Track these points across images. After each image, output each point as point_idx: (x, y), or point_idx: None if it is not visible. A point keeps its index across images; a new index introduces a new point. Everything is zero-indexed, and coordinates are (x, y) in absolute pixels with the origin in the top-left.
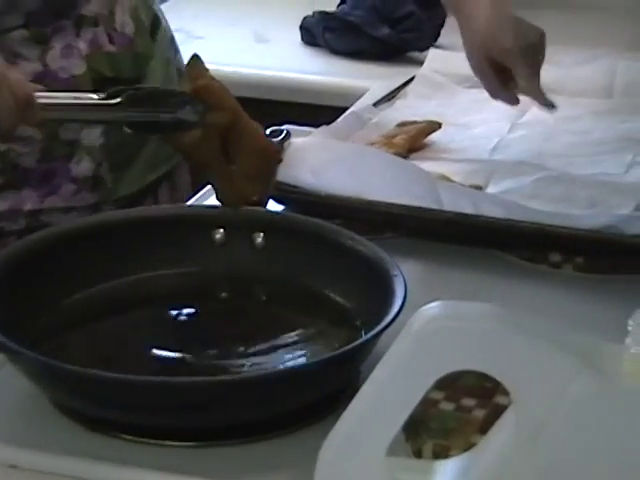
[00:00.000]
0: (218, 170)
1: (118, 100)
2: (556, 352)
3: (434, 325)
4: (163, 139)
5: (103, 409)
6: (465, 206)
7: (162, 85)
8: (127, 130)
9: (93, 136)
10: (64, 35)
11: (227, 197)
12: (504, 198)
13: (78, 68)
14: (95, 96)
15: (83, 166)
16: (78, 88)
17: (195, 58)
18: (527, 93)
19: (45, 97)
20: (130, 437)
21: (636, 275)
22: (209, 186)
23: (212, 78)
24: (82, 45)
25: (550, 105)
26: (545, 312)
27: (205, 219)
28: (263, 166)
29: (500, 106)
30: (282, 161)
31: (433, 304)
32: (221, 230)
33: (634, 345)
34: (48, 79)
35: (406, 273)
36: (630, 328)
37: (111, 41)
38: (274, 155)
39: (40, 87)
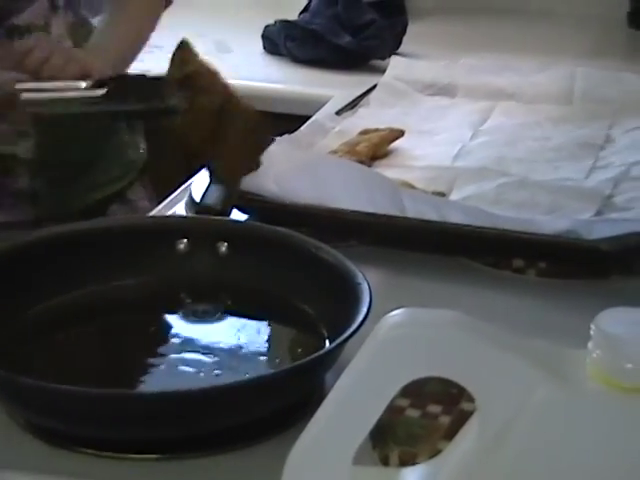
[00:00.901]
0: (212, 152)
1: (104, 91)
2: (520, 358)
3: (399, 332)
4: (153, 125)
5: (62, 423)
6: (429, 213)
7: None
8: (115, 122)
9: (26, 150)
10: None
11: (224, 176)
12: (467, 204)
13: None
14: (82, 84)
15: (20, 180)
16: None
17: (184, 43)
18: None
19: (29, 90)
20: (91, 451)
21: (597, 279)
22: (172, 196)
23: (201, 62)
24: None
25: None
26: (509, 318)
27: (168, 229)
28: (256, 143)
29: (463, 113)
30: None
31: (397, 311)
32: (184, 240)
33: (596, 349)
34: None
35: (371, 281)
36: (592, 332)
37: None
38: (265, 130)
39: (22, 77)
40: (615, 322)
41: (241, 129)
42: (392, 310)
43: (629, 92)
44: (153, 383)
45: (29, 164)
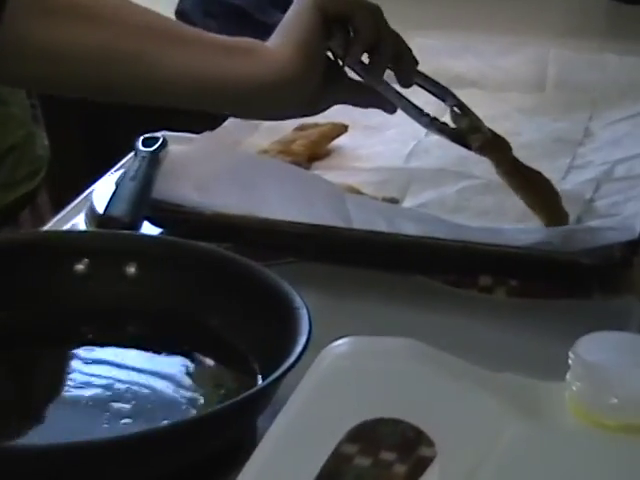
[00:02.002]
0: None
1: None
2: (487, 393)
3: (344, 365)
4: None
5: None
6: (378, 223)
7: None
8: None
9: None
10: None
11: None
12: (424, 212)
13: None
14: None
15: None
16: None
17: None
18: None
19: None
20: None
21: (578, 299)
22: (70, 206)
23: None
24: None
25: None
26: (475, 346)
27: (66, 247)
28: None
29: (417, 104)
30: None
31: (343, 340)
32: (85, 260)
33: (576, 381)
34: None
35: (311, 305)
36: (571, 362)
37: None
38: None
39: None
40: (598, 349)
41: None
42: (336, 339)
43: (610, 77)
44: (46, 432)
45: None
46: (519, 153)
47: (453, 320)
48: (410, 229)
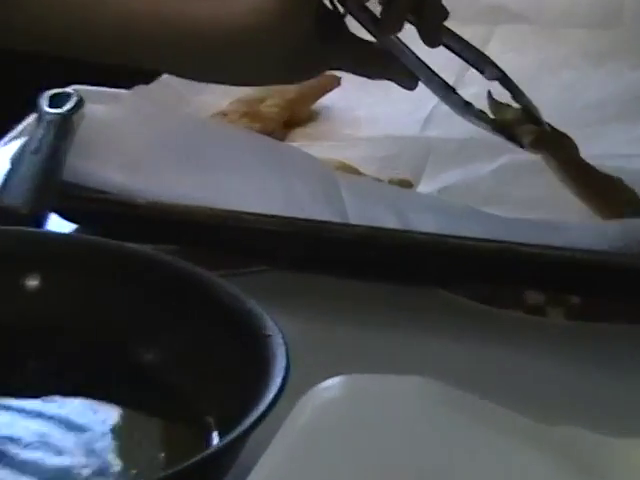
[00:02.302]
0: None
1: None
2: (524, 447)
3: (336, 413)
4: None
5: None
6: (384, 216)
7: None
8: None
9: None
10: None
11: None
12: (446, 201)
13: None
14: None
15: None
16: None
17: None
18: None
19: None
20: None
21: None
22: None
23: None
24: None
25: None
26: (518, 389)
27: None
28: None
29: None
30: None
31: (333, 380)
32: None
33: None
34: None
35: (288, 331)
36: None
37: None
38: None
39: None
40: None
41: None
42: (323, 378)
43: None
44: None
45: None
46: (584, 116)
47: (487, 352)
48: (428, 224)
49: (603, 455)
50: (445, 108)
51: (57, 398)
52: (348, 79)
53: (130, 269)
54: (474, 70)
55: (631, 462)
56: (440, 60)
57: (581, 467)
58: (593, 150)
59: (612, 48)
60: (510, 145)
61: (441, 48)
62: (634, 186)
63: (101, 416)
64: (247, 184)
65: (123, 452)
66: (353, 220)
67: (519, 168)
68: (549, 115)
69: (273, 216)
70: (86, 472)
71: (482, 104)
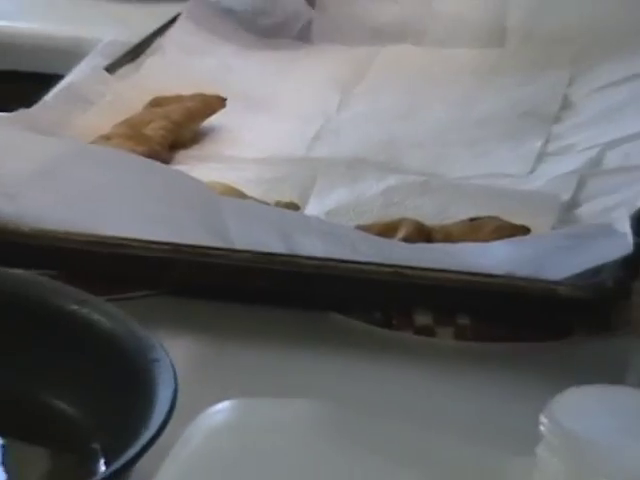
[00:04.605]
0: None
1: None
2: (425, 474)
3: (223, 441)
4: None
5: None
6: (270, 240)
7: None
8: None
9: None
10: None
11: None
12: (335, 224)
13: None
14: None
15: None
16: None
17: None
18: None
19: None
20: None
21: (551, 341)
22: None
23: None
24: None
25: None
26: (409, 409)
27: None
28: None
29: (324, 65)
30: None
31: (223, 404)
32: None
33: (550, 457)
34: None
35: (176, 355)
36: (543, 428)
37: None
38: None
39: None
40: (580, 411)
41: None
42: (212, 402)
43: (599, 18)
44: None
45: None
46: (471, 133)
47: (379, 373)
48: (315, 248)
49: (491, 475)
50: (333, 126)
51: None
52: (233, 100)
53: (16, 295)
54: (364, 83)
55: (520, 472)
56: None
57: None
58: (480, 170)
59: (498, 67)
60: (397, 164)
61: (317, 60)
62: (521, 206)
63: None
64: (130, 209)
65: None
66: (238, 245)
67: (407, 188)
68: (437, 133)
69: (156, 242)
70: None
71: (372, 130)
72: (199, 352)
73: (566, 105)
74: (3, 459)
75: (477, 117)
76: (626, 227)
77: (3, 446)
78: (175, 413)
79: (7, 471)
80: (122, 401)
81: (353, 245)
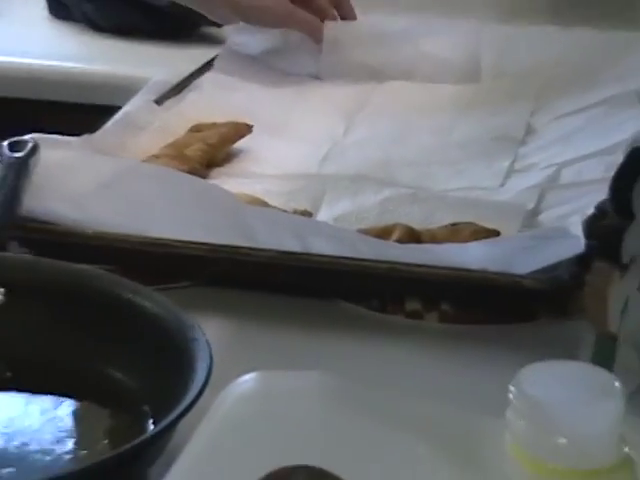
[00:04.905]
0: None
1: None
2: (416, 436)
3: (249, 406)
4: None
5: None
6: (288, 241)
7: None
8: None
9: None
10: None
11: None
12: (341, 228)
13: None
14: None
15: None
16: None
17: None
18: None
19: None
20: None
21: (519, 324)
22: None
23: None
24: None
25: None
26: (402, 380)
27: None
28: None
29: (332, 98)
30: None
31: (248, 376)
32: None
33: (516, 418)
34: None
35: (210, 335)
36: (511, 396)
37: None
38: None
39: None
40: (542, 381)
41: None
42: (240, 374)
43: (558, 59)
44: None
45: None
46: (453, 154)
47: (377, 350)
48: (325, 247)
49: (468, 434)
50: (340, 148)
51: (22, 396)
52: (258, 127)
53: (80, 286)
54: (365, 113)
55: (491, 439)
56: (328, 104)
57: (450, 446)
58: (460, 183)
59: (474, 99)
60: (391, 180)
61: (326, 94)
62: (493, 214)
63: (61, 411)
64: (174, 215)
65: (84, 435)
66: (263, 245)
67: (400, 199)
68: (424, 154)
69: (194, 242)
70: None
71: (372, 152)
72: (230, 333)
73: (530, 131)
74: (75, 418)
75: (457, 141)
76: (579, 231)
77: (75, 409)
78: (209, 382)
79: (78, 427)
80: (167, 372)
81: (355, 245)
